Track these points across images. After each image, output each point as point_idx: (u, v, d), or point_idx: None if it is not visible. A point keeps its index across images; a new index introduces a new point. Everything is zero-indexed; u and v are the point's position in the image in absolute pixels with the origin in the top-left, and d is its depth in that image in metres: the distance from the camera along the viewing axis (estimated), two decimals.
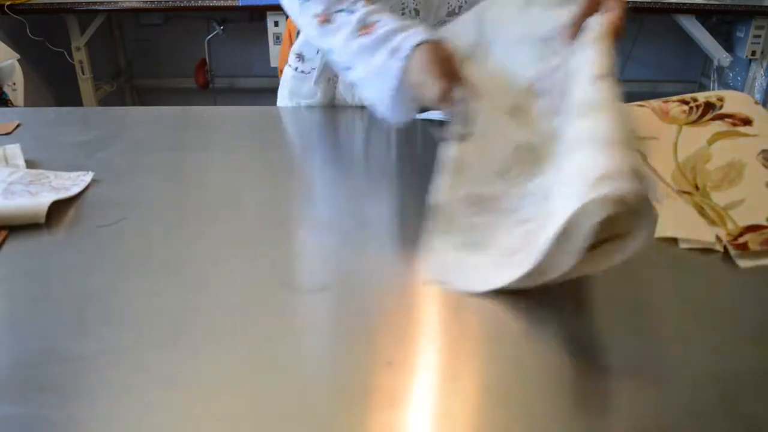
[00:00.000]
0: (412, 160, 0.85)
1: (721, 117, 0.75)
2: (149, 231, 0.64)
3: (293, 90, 0.98)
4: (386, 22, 0.73)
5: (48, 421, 0.41)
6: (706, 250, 0.60)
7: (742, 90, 2.54)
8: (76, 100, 2.73)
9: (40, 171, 0.74)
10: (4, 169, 0.72)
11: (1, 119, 0.92)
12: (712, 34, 2.46)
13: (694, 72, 2.97)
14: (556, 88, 0.66)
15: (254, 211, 0.70)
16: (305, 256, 0.62)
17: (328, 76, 0.95)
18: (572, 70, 0.63)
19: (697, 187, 0.67)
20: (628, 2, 0.73)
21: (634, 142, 0.54)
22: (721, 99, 0.78)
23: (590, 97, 0.57)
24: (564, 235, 0.48)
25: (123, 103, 3.14)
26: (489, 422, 0.42)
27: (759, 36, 2.48)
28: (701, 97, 0.78)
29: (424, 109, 0.94)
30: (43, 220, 0.63)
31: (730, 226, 0.62)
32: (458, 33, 0.77)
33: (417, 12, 0.87)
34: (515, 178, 0.64)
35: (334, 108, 0.98)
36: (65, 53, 2.69)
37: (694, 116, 0.76)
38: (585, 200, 0.46)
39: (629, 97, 0.65)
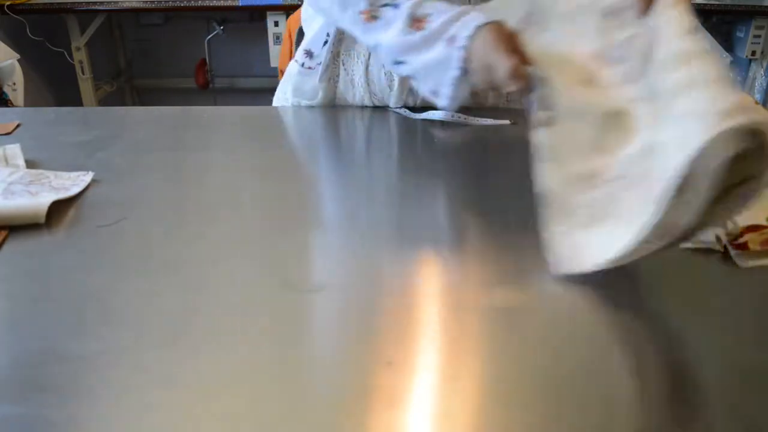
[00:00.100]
0: (412, 160, 0.85)
1: None
2: (149, 231, 0.64)
3: (297, 86, 0.98)
4: (437, 14, 0.73)
5: (48, 421, 0.41)
6: (706, 250, 0.60)
7: (742, 90, 2.53)
8: (76, 100, 2.73)
9: (40, 171, 0.74)
10: (4, 169, 0.72)
11: (1, 119, 0.92)
12: (712, 34, 2.45)
13: None
14: (633, 56, 0.64)
15: (254, 211, 0.70)
16: (305, 256, 0.62)
17: (331, 75, 0.95)
18: (655, 32, 0.61)
19: None
20: None
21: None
22: None
23: (685, 47, 0.55)
24: (685, 183, 0.46)
25: (123, 103, 3.14)
26: (489, 422, 0.42)
27: (759, 36, 2.49)
28: None
29: (423, 109, 0.94)
30: (43, 220, 0.63)
31: (730, 226, 0.61)
32: (508, 7, 0.76)
33: None
34: (612, 147, 0.62)
35: (334, 108, 0.98)
36: (65, 53, 2.69)
37: None
38: (713, 134, 0.43)
39: None
